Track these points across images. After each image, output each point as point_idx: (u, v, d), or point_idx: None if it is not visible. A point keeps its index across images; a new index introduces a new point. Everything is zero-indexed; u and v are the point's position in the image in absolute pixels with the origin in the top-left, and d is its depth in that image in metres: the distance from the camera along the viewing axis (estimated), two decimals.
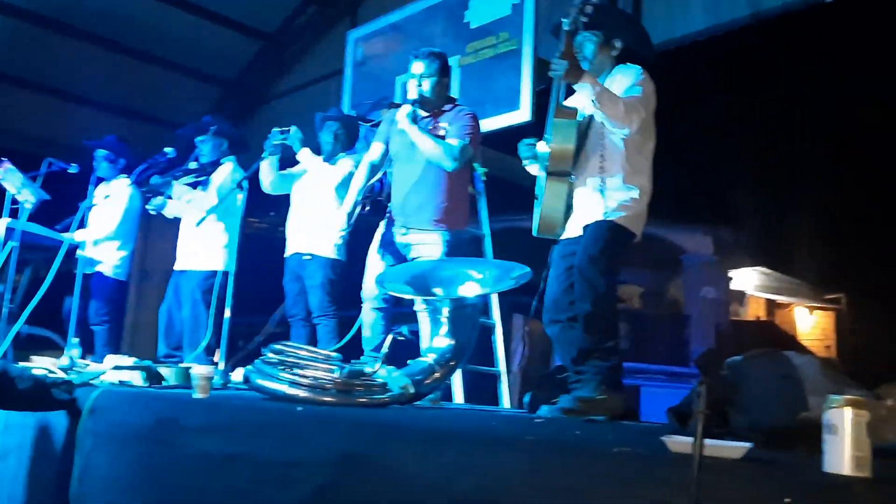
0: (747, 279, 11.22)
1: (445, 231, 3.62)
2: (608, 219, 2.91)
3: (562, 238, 3.11)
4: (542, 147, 3.13)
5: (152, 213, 4.84)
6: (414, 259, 3.60)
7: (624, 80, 2.98)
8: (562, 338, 3.03)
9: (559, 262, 3.08)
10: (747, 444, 1.41)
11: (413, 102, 3.63)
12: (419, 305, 3.55)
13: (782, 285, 11.76)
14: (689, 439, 1.24)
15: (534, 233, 3.19)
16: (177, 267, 4.84)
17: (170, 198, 4.76)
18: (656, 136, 3.05)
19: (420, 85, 3.64)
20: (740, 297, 11.50)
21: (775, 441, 1.64)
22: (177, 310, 4.76)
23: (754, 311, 12.10)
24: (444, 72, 3.71)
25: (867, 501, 1.14)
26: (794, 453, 1.61)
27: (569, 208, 3.08)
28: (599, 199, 2.94)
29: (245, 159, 4.78)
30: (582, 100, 2.98)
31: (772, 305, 12.46)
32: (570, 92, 3.10)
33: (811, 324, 12.64)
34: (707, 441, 1.14)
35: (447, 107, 3.72)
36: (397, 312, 3.75)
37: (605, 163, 2.95)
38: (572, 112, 3.00)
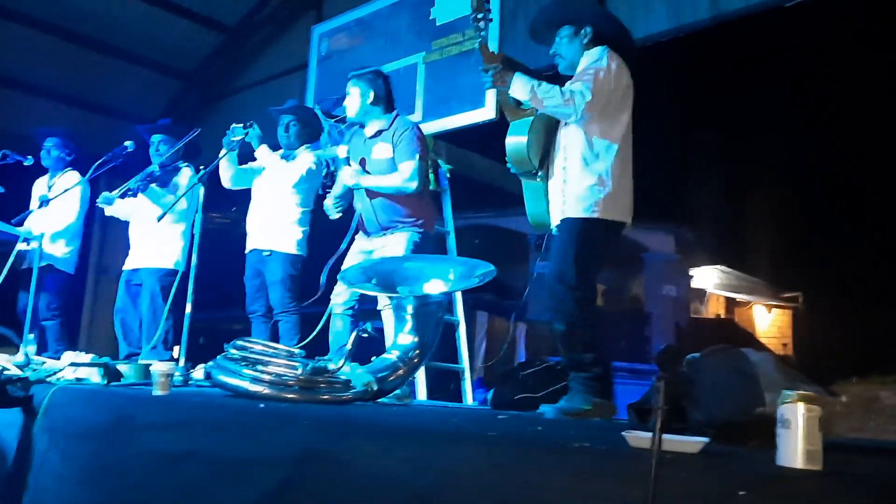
0: (707, 277, 11.43)
1: (411, 229, 3.65)
2: (570, 216, 2.89)
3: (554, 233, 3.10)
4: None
5: (100, 206, 4.75)
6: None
7: (583, 64, 2.97)
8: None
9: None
10: (704, 439, 1.44)
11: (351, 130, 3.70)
12: (383, 303, 3.56)
13: (741, 284, 12.00)
14: (648, 434, 1.26)
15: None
16: (129, 266, 4.77)
17: (133, 197, 4.68)
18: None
19: (350, 105, 3.79)
20: (700, 295, 11.71)
21: (731, 435, 1.67)
22: (132, 309, 4.70)
23: (714, 309, 12.33)
24: (375, 85, 3.78)
25: (817, 494, 1.17)
26: (749, 447, 1.65)
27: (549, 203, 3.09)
28: (561, 194, 2.95)
29: (203, 155, 4.72)
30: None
31: (731, 303, 12.71)
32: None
33: (769, 321, 12.92)
34: (665, 436, 1.16)
35: (385, 121, 3.78)
36: (361, 310, 3.76)
37: (567, 154, 2.94)
38: (522, 109, 3.03)
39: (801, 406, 1.32)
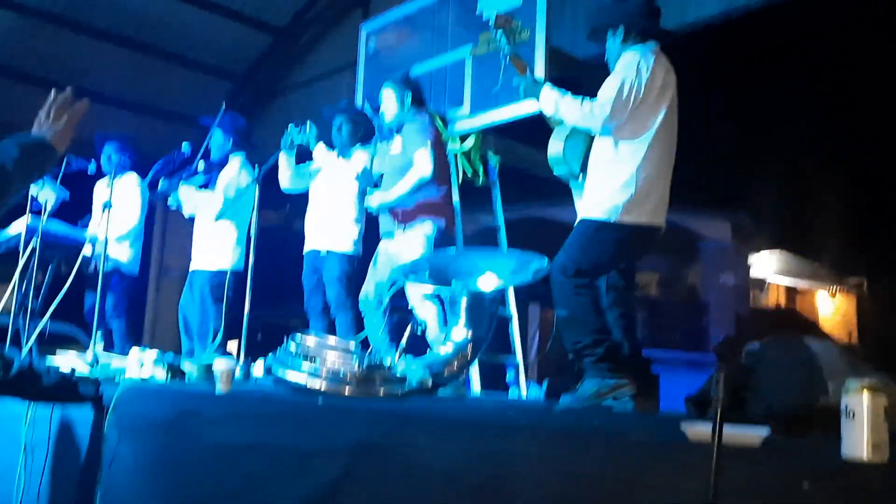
0: (767, 264, 11.13)
1: (429, 221, 3.71)
2: (586, 217, 2.90)
3: None
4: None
5: (172, 207, 4.89)
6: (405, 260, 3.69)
7: (617, 68, 2.93)
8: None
9: None
10: (765, 431, 1.41)
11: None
12: (416, 298, 3.63)
13: (802, 269, 11.65)
14: (708, 426, 1.24)
15: None
16: (192, 266, 4.91)
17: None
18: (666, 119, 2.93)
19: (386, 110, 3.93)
20: (759, 282, 11.42)
21: (793, 426, 1.63)
22: (192, 306, 4.82)
23: (774, 297, 12.01)
24: (407, 87, 3.93)
25: (883, 486, 1.14)
26: (811, 438, 1.61)
27: None
28: (583, 195, 2.97)
29: (256, 154, 4.80)
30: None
31: (792, 290, 12.36)
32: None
33: (832, 308, 12.53)
34: (725, 428, 1.14)
35: (407, 116, 3.90)
36: (400, 307, 3.84)
37: (594, 157, 2.96)
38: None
39: (866, 395, 1.29)
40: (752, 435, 1.40)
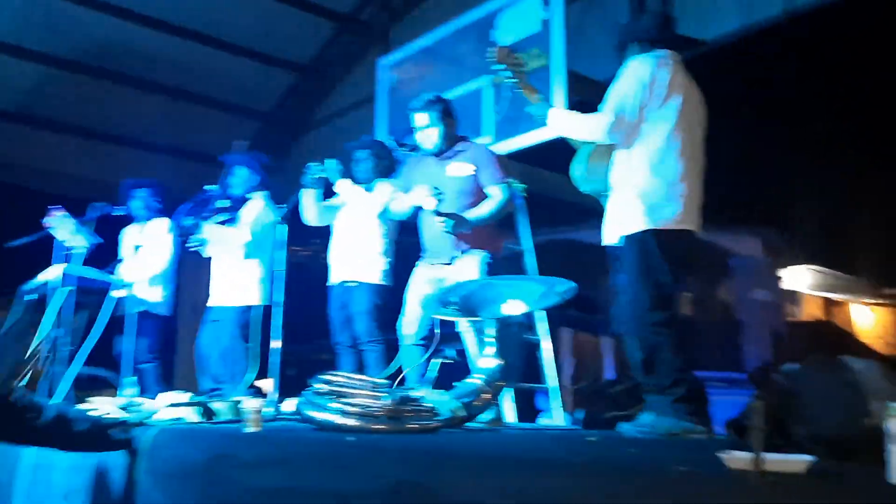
0: (800, 279, 10.91)
1: (482, 252, 3.66)
2: (623, 234, 2.85)
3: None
4: None
5: (193, 250, 4.92)
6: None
7: (620, 79, 2.92)
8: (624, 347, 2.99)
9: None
10: (810, 458, 1.36)
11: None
12: (463, 325, 3.56)
13: (837, 283, 11.41)
14: (748, 454, 1.20)
15: None
16: (211, 303, 4.91)
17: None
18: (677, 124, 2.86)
19: (430, 136, 3.81)
20: (794, 297, 11.20)
21: (838, 451, 1.58)
22: (211, 345, 4.81)
23: (810, 312, 11.76)
24: (447, 114, 3.85)
25: None
26: (858, 463, 1.55)
27: None
28: (610, 212, 2.94)
29: (279, 191, 4.83)
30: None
31: (828, 304, 12.10)
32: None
33: (872, 321, 12.23)
34: (767, 455, 1.10)
35: (459, 144, 3.85)
36: (443, 333, 3.77)
37: (613, 174, 2.94)
38: None
39: None
40: (796, 462, 1.35)
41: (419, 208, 3.78)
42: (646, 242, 2.79)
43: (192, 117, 7.84)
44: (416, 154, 4.13)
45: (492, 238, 3.77)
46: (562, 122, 2.95)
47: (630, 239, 2.82)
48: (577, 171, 3.08)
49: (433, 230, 3.71)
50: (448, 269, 3.73)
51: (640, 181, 2.81)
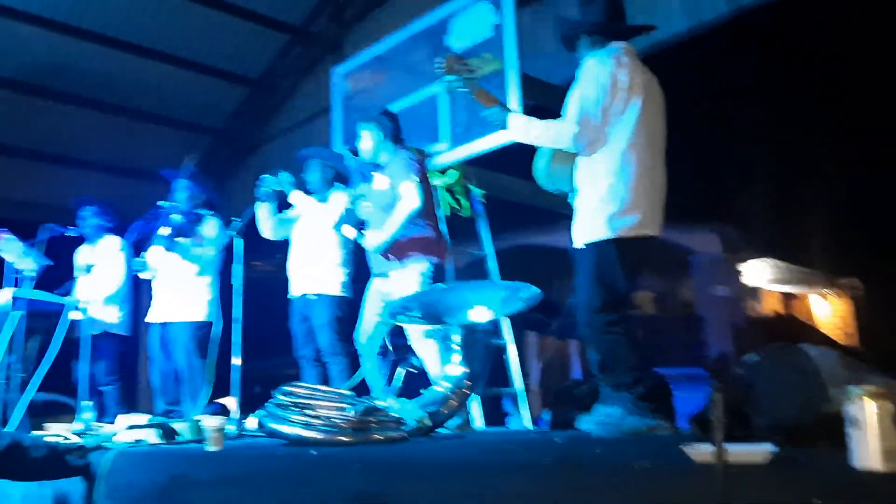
0: (759, 273, 11.11)
1: (423, 260, 3.65)
2: (584, 242, 2.84)
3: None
4: None
5: (137, 273, 4.83)
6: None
7: (578, 82, 2.88)
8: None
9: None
10: (771, 447, 1.36)
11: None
12: (414, 336, 3.56)
13: (795, 276, 11.64)
14: (711, 448, 1.20)
15: None
16: (157, 320, 4.80)
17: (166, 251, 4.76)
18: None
19: (364, 147, 3.90)
20: (753, 292, 11.39)
21: (798, 438, 1.59)
22: (167, 363, 4.73)
23: (769, 305, 11.97)
24: (380, 126, 3.91)
25: None
26: (818, 449, 1.56)
27: None
28: (574, 217, 2.91)
29: (235, 208, 4.78)
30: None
31: (787, 297, 12.34)
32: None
33: (829, 311, 12.50)
34: (730, 447, 1.09)
35: (391, 154, 3.89)
36: (402, 343, 3.76)
37: (577, 179, 2.91)
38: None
39: (870, 403, 1.24)
40: (758, 452, 1.35)
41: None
42: (605, 250, 2.79)
43: (143, 135, 7.70)
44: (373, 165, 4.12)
45: (430, 245, 3.77)
46: (523, 129, 2.90)
47: (590, 245, 2.81)
48: (540, 170, 3.04)
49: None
50: (385, 282, 3.75)
51: (602, 188, 2.79)
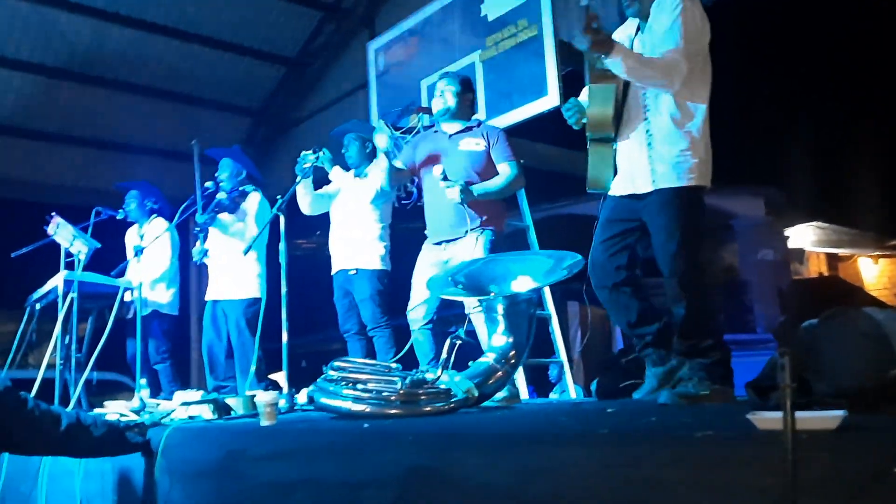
0: (804, 236, 10.88)
1: (485, 230, 3.59)
2: (664, 187, 2.68)
3: (609, 194, 2.92)
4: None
5: (197, 261, 4.92)
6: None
7: (662, 17, 2.71)
8: (612, 303, 2.92)
9: (607, 227, 2.91)
10: (841, 412, 1.32)
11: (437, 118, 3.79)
12: (471, 306, 3.51)
13: (841, 237, 11.37)
14: (777, 414, 1.17)
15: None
16: (211, 297, 4.89)
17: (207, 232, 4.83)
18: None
19: (445, 99, 3.75)
20: (799, 255, 11.16)
21: (865, 404, 1.54)
22: (218, 341, 4.81)
23: (816, 268, 11.73)
24: (467, 87, 3.82)
25: None
26: (886, 416, 1.52)
27: (615, 170, 2.89)
28: (646, 161, 2.74)
29: (277, 186, 4.82)
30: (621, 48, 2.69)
31: (833, 259, 12.07)
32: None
33: (877, 273, 12.20)
34: (797, 413, 1.06)
35: (474, 121, 3.81)
36: (450, 315, 3.73)
37: (653, 118, 2.74)
38: (608, 75, 2.76)
39: None
40: (826, 418, 1.31)
41: (428, 176, 3.72)
42: (702, 200, 2.70)
43: (182, 118, 7.75)
44: (408, 138, 4.05)
45: (498, 214, 3.70)
46: (624, 60, 2.61)
47: (675, 191, 2.68)
48: (601, 112, 2.80)
49: (439, 204, 3.64)
50: (453, 247, 3.65)
51: (691, 133, 2.68)
